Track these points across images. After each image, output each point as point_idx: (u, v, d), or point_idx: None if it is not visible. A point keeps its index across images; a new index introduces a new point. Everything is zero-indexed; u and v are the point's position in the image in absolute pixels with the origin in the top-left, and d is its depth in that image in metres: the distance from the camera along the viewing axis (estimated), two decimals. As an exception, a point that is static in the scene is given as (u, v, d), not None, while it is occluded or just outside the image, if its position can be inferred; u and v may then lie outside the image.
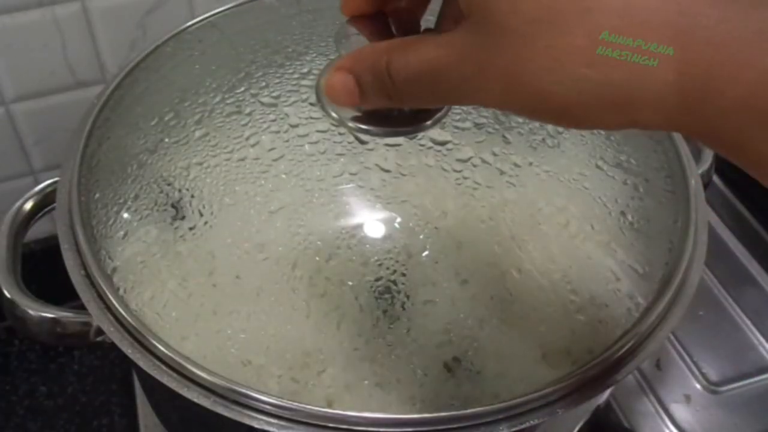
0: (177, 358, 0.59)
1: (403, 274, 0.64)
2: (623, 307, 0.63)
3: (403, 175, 0.72)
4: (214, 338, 0.60)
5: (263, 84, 0.82)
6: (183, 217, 0.68)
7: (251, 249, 0.65)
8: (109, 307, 0.52)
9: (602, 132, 0.73)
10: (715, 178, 0.89)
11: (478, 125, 0.76)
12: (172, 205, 0.69)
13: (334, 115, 0.47)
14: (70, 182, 0.59)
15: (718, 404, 0.75)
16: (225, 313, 0.61)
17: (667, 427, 0.73)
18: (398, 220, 0.67)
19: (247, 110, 0.81)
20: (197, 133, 0.75)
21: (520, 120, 0.71)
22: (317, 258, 0.64)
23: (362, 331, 0.60)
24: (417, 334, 0.60)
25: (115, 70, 0.80)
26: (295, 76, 0.77)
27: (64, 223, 0.56)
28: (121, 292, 0.62)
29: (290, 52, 0.74)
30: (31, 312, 0.54)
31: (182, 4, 0.81)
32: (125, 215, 0.68)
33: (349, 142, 0.72)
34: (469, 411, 0.49)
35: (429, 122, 0.48)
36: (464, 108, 0.71)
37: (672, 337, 0.80)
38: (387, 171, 0.73)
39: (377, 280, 0.63)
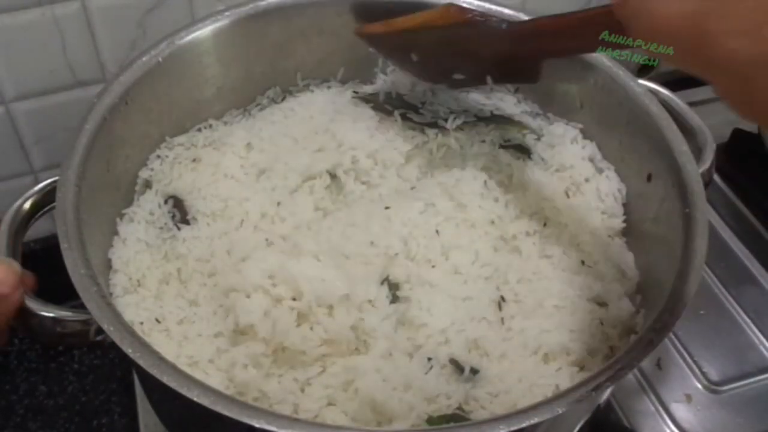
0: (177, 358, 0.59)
1: (404, 276, 0.63)
2: (623, 307, 0.63)
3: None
4: (215, 338, 0.60)
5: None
6: (184, 219, 0.68)
7: (252, 251, 0.65)
8: (109, 306, 0.52)
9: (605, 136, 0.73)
10: (716, 178, 0.89)
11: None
12: (174, 206, 0.69)
13: None
14: (70, 181, 0.58)
15: (719, 404, 0.75)
16: (225, 314, 0.61)
17: (668, 427, 0.73)
18: (399, 223, 0.66)
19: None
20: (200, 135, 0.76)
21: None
22: (319, 259, 0.64)
23: (361, 330, 0.60)
24: (417, 334, 0.60)
25: (115, 69, 0.80)
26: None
27: (64, 222, 0.56)
28: (120, 291, 0.62)
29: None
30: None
31: (182, 3, 0.81)
32: (125, 215, 0.68)
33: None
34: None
35: None
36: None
37: (673, 337, 0.79)
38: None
39: (379, 281, 0.63)
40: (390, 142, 0.73)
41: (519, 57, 0.66)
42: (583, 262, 0.66)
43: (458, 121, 0.75)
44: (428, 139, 0.74)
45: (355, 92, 0.79)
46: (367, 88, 0.80)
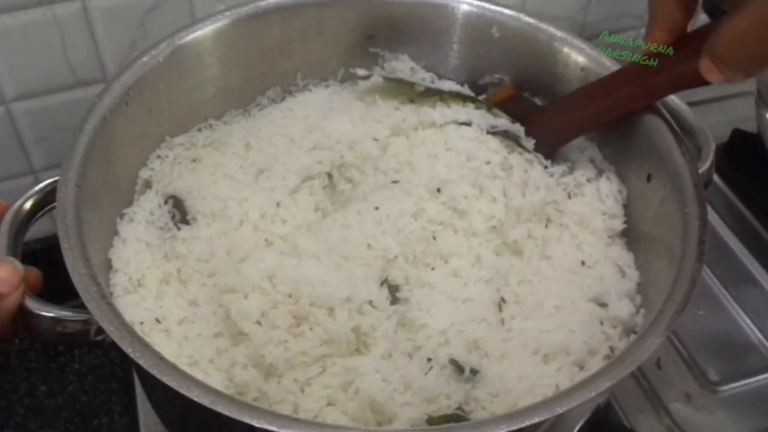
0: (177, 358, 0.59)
1: (403, 278, 0.63)
2: (623, 307, 0.63)
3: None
4: (215, 338, 0.60)
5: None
6: (184, 219, 0.68)
7: (252, 251, 0.65)
8: (109, 306, 0.52)
9: (605, 137, 0.73)
10: (716, 178, 0.89)
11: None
12: (174, 206, 0.69)
13: None
14: (70, 181, 0.58)
15: (718, 403, 0.75)
16: (225, 314, 0.61)
17: (667, 426, 0.73)
18: (393, 225, 0.66)
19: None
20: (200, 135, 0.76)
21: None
22: (319, 260, 0.64)
23: (362, 332, 0.60)
24: (417, 335, 0.60)
25: (115, 69, 0.80)
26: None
27: (64, 222, 0.56)
28: (120, 291, 0.62)
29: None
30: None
31: (182, 3, 0.81)
32: (126, 215, 0.68)
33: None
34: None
35: None
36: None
37: (672, 337, 0.79)
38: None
39: (378, 283, 0.62)
40: (370, 129, 0.71)
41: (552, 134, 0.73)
42: (583, 263, 0.66)
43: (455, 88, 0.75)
44: (405, 116, 0.72)
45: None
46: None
